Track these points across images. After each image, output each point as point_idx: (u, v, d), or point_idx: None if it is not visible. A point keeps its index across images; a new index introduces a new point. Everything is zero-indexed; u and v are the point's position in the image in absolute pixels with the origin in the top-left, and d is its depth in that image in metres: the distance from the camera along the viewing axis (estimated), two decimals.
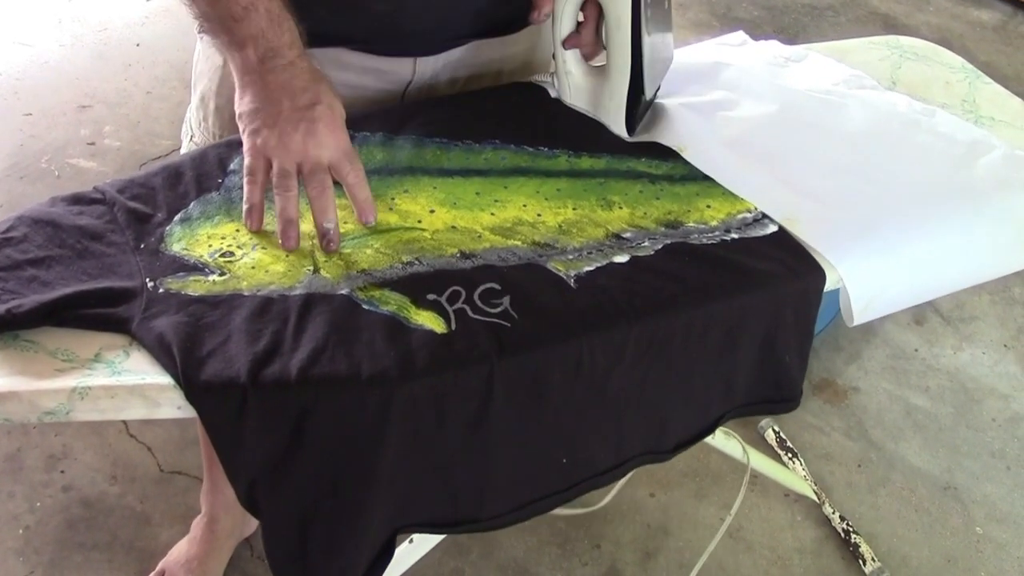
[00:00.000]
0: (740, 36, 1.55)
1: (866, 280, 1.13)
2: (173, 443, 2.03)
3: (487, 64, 1.38)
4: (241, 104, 1.05)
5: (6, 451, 1.99)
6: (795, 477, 2.03)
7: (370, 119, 1.23)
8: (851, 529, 1.98)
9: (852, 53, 1.55)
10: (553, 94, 1.33)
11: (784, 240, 1.13)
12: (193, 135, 1.36)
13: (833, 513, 2.01)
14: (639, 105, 1.26)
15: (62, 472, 1.96)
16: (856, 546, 1.95)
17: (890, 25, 3.96)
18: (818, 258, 1.11)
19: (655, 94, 1.31)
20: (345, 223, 1.07)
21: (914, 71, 1.53)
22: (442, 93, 1.36)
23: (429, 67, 1.31)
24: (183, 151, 1.37)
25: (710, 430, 1.18)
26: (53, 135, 2.87)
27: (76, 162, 2.78)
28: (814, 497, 2.02)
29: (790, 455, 2.11)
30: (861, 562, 1.93)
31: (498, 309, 0.98)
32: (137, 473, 1.97)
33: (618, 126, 1.28)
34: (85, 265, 0.98)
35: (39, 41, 3.27)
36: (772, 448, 2.14)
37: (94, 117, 2.95)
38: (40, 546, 1.83)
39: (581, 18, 1.29)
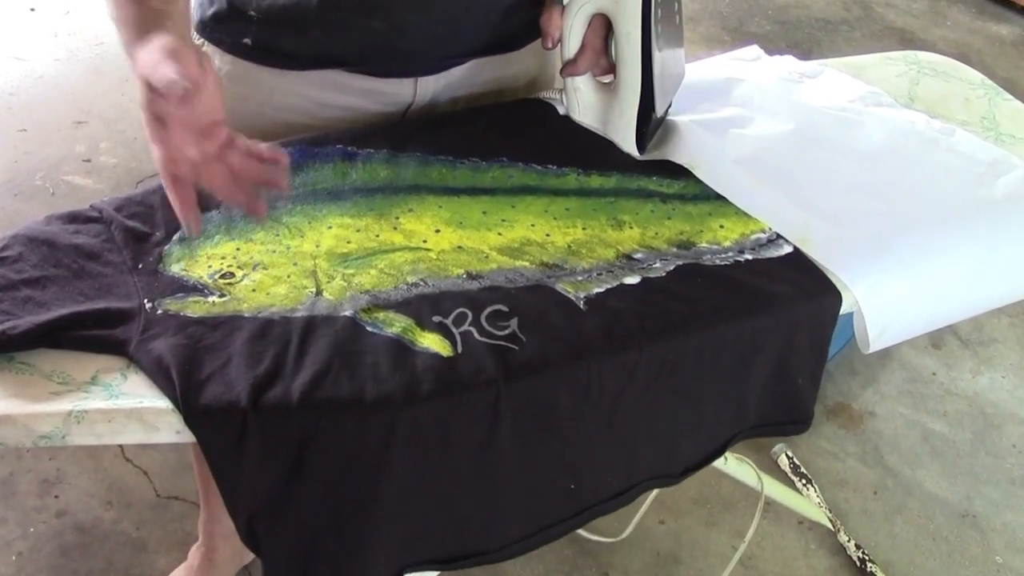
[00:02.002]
0: (754, 51, 1.56)
1: (882, 303, 1.12)
2: (170, 467, 2.02)
3: (489, 83, 1.38)
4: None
5: None
6: (809, 504, 2.02)
7: (374, 136, 1.23)
8: (867, 558, 1.97)
9: (869, 69, 1.56)
10: (561, 111, 1.34)
11: (799, 261, 1.13)
12: None
13: (848, 541, 2.00)
14: (649, 122, 1.26)
15: (56, 497, 1.95)
16: (872, 575, 1.94)
17: (906, 40, 3.97)
18: (834, 279, 1.11)
19: (666, 111, 1.31)
20: (348, 243, 1.07)
21: (932, 87, 1.53)
22: (443, 113, 1.36)
23: (430, 87, 1.32)
24: None
25: (720, 452, 1.17)
26: (48, 152, 2.88)
27: (71, 179, 2.78)
28: (829, 525, 2.01)
29: (804, 481, 2.10)
30: None
31: (505, 332, 0.98)
32: (133, 498, 1.97)
33: (628, 144, 1.28)
34: (82, 285, 0.98)
35: (34, 55, 3.28)
36: (785, 474, 2.13)
37: (90, 133, 2.96)
38: (33, 573, 1.82)
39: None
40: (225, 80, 1.26)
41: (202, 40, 1.28)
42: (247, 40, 1.24)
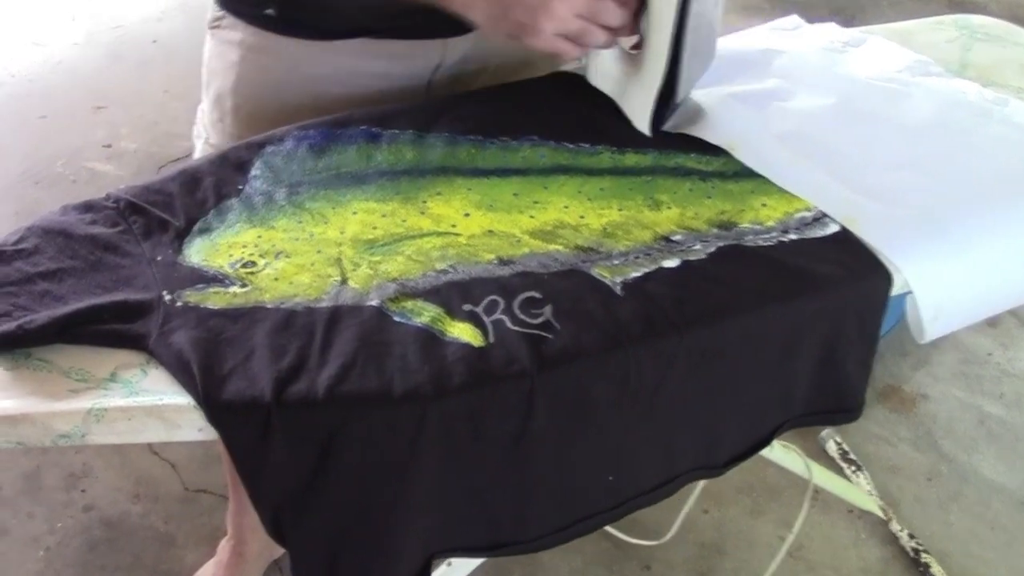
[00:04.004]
0: (794, 20, 1.53)
1: (935, 283, 1.10)
2: (197, 460, 2.04)
3: (518, 49, 1.37)
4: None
5: (25, 470, 2.00)
6: (859, 492, 2.00)
7: (398, 116, 1.22)
8: (921, 547, 1.95)
9: (917, 35, 1.53)
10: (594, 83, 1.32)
11: (846, 241, 1.11)
12: (208, 136, 1.36)
13: (901, 530, 1.98)
14: (669, 102, 1.22)
15: (83, 491, 1.97)
16: (926, 566, 1.92)
17: (956, 4, 3.92)
18: (883, 260, 1.09)
19: (687, 94, 1.28)
20: (374, 229, 1.07)
21: (985, 53, 1.50)
22: (470, 83, 1.35)
23: (459, 49, 1.30)
24: (197, 155, 1.37)
25: (765, 442, 1.16)
26: (68, 138, 2.90)
27: (92, 166, 2.80)
28: (880, 513, 2.00)
29: (854, 468, 2.08)
30: None
31: (539, 320, 0.97)
32: (160, 492, 1.98)
33: (642, 121, 1.25)
34: (99, 278, 0.98)
35: (52, 40, 3.31)
36: (834, 461, 2.11)
37: (110, 119, 2.98)
38: (61, 568, 1.84)
39: None
40: (246, 51, 1.26)
41: (222, 12, 1.28)
42: (270, 11, 1.23)
